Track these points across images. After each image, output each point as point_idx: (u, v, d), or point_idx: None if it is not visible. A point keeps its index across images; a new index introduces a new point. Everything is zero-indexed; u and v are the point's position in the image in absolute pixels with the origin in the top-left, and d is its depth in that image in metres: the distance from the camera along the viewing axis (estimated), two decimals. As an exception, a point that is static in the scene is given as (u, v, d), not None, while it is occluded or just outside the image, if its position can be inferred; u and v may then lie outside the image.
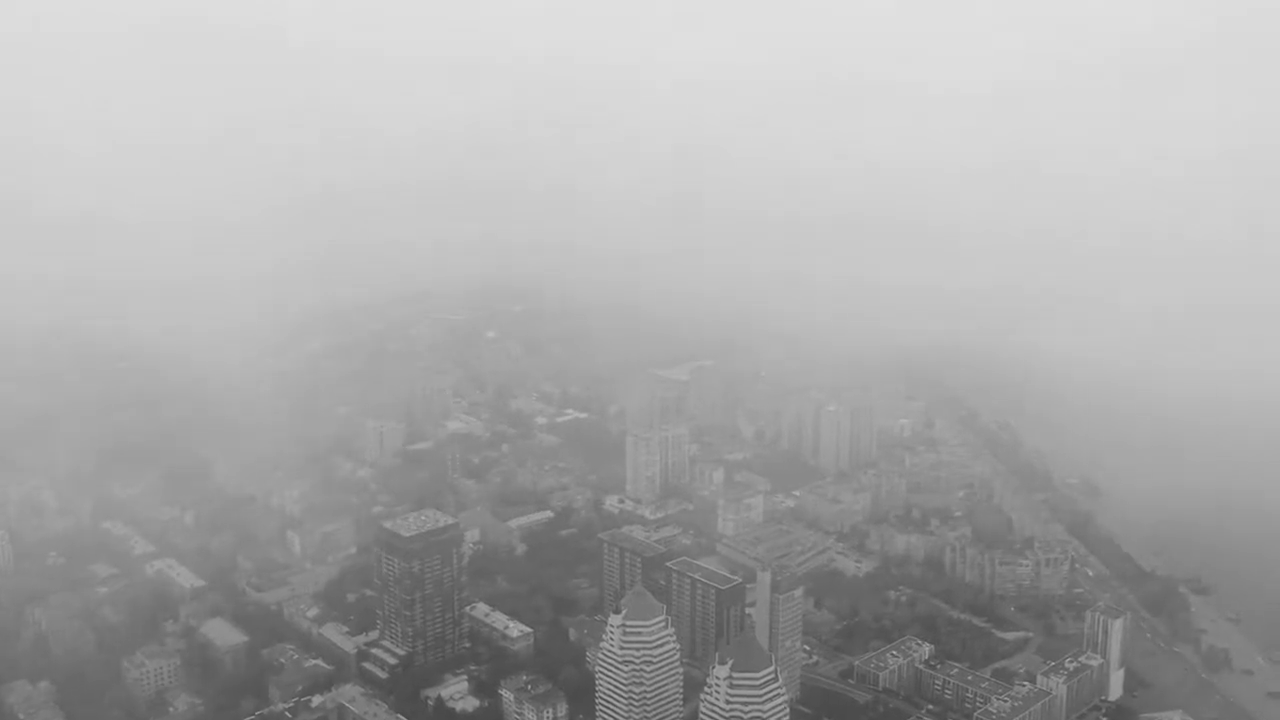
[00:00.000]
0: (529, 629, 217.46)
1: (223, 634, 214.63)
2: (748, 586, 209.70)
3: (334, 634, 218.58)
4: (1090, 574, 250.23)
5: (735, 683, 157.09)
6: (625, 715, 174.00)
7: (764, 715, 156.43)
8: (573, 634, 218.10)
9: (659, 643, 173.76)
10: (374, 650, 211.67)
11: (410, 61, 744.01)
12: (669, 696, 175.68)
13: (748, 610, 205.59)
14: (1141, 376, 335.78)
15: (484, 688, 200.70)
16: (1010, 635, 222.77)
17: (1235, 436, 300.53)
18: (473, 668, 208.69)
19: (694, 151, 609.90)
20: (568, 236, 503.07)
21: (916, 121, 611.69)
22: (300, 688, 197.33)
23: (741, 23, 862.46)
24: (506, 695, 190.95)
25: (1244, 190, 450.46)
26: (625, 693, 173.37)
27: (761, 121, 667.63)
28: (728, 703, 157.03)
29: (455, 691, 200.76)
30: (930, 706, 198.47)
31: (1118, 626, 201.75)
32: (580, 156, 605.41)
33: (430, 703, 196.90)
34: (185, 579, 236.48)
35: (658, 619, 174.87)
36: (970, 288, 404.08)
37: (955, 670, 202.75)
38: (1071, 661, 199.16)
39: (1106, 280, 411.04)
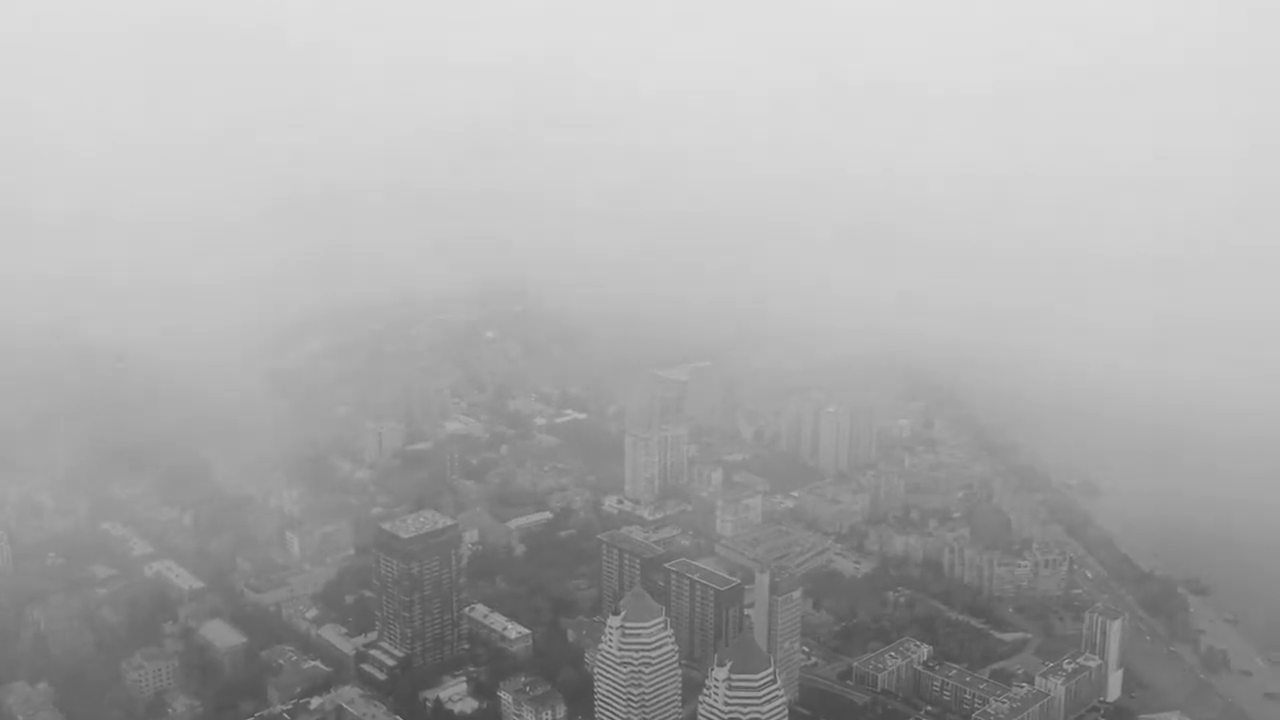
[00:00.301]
0: (528, 630, 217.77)
1: (221, 635, 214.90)
2: (746, 588, 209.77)
3: (332, 635, 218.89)
4: (1089, 575, 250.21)
5: (734, 684, 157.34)
6: (624, 717, 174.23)
7: (762, 717, 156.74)
8: (571, 635, 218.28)
9: (658, 644, 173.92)
10: (372, 651, 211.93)
11: (410, 61, 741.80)
12: (668, 698, 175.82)
13: (746, 611, 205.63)
14: (1141, 379, 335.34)
15: (483, 689, 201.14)
16: (1009, 636, 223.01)
17: (1234, 438, 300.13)
18: (471, 669, 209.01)
19: (694, 153, 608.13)
20: (567, 237, 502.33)
21: (916, 123, 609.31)
22: (299, 689, 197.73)
23: (741, 23, 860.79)
24: (505, 697, 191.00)
25: (1244, 192, 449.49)
26: (624, 694, 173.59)
27: (762, 121, 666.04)
28: (726, 704, 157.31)
29: (454, 693, 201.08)
30: (929, 708, 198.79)
31: (1116, 627, 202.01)
32: (580, 157, 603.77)
33: (429, 704, 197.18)
34: (184, 580, 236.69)
35: (656, 620, 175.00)
36: (970, 290, 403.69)
37: (954, 671, 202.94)
38: (1070, 662, 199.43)
39: (1106, 282, 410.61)
